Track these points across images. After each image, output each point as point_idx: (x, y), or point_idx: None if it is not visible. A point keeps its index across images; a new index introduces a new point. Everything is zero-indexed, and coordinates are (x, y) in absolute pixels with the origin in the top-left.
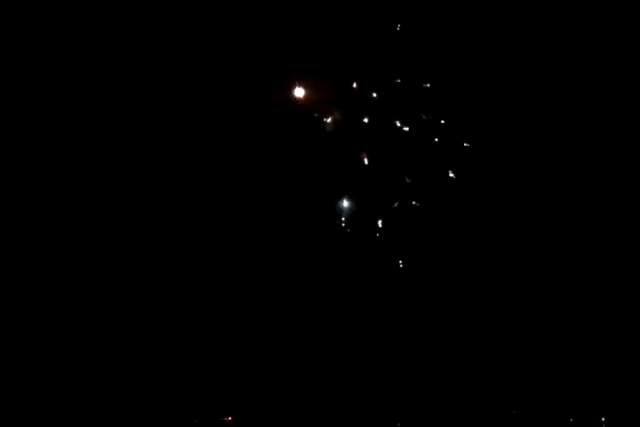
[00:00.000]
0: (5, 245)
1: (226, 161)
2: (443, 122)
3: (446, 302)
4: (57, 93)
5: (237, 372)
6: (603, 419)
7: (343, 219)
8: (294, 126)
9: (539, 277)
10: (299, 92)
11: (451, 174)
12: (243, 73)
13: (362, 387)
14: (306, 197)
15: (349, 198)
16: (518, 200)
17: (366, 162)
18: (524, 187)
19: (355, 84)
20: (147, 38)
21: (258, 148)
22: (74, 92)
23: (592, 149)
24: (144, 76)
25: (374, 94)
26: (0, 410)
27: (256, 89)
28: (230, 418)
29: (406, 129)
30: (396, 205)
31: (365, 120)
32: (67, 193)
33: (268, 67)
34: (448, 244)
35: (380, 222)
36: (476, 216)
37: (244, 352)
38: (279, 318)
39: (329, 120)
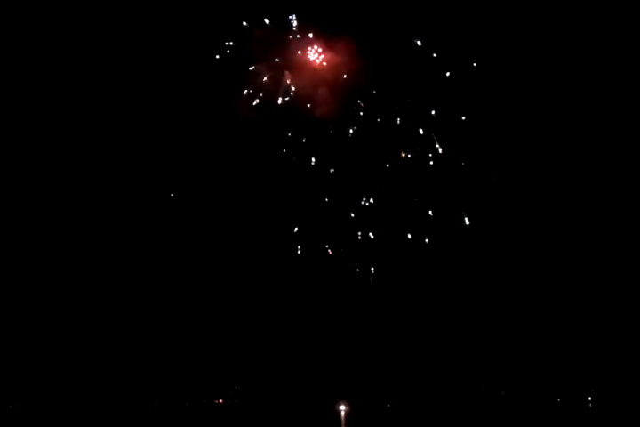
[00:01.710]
0: (5, 245)
1: (223, 162)
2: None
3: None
4: (57, 94)
5: (229, 358)
6: (589, 398)
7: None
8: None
9: (511, 266)
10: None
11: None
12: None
13: (352, 370)
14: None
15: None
16: (513, 199)
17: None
18: (521, 188)
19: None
20: (146, 39)
21: (255, 150)
22: (73, 94)
23: (592, 151)
24: (143, 77)
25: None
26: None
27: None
28: (222, 401)
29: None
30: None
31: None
32: (66, 193)
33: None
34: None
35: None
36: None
37: (236, 340)
38: (271, 308)
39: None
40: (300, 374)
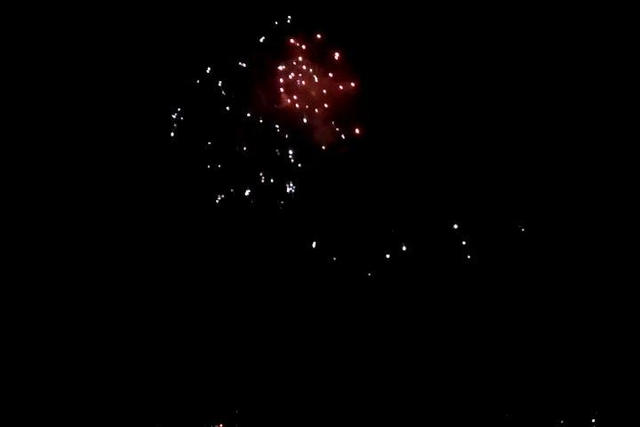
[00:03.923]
0: (5, 245)
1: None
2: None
3: (441, 302)
4: (56, 94)
5: (228, 381)
6: (593, 420)
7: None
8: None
9: (531, 282)
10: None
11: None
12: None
13: (352, 394)
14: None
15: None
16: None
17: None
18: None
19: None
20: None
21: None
22: (73, 93)
23: (591, 150)
24: (142, 78)
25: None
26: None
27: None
28: (222, 425)
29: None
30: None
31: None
32: (66, 193)
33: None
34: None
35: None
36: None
37: (233, 363)
38: (272, 330)
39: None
40: (302, 398)
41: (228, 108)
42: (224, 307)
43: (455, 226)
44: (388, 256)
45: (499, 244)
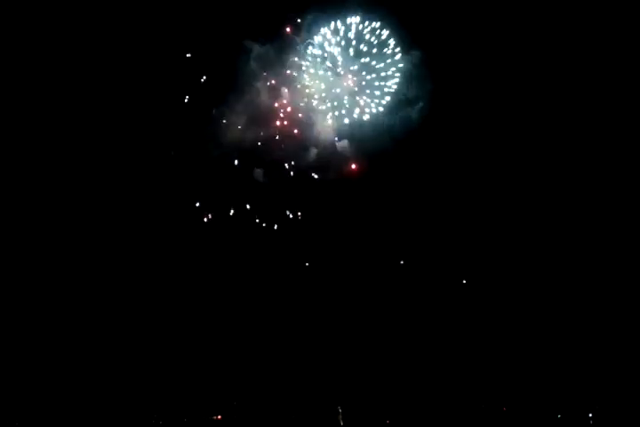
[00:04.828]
0: (5, 245)
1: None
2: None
3: (439, 302)
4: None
5: (227, 373)
6: (590, 415)
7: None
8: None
9: (530, 283)
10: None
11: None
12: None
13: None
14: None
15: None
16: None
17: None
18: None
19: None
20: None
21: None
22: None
23: (592, 152)
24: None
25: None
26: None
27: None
28: (220, 417)
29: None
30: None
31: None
32: (65, 193)
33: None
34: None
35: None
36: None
37: (233, 355)
38: (269, 324)
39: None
40: (298, 390)
41: (224, 117)
42: (224, 308)
43: (454, 237)
44: (387, 263)
45: (495, 258)
